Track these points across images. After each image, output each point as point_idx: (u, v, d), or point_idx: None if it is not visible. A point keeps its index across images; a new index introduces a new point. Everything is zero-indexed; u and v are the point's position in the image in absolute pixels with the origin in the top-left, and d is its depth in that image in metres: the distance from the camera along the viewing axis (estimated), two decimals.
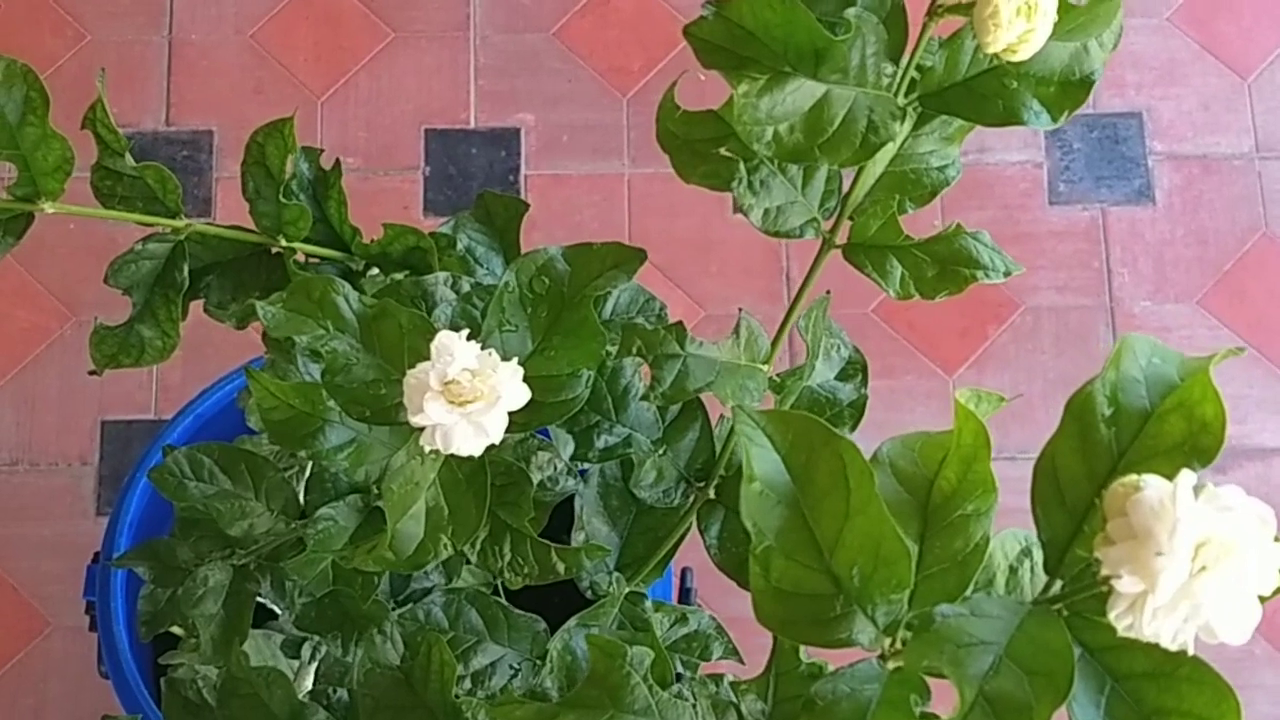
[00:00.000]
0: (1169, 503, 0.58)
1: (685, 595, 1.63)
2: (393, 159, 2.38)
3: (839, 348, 1.00)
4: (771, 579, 0.69)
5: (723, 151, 0.81)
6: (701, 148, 0.81)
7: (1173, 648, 0.59)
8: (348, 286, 0.91)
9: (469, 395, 0.85)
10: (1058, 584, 0.66)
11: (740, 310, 0.93)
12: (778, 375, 0.97)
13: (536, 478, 1.06)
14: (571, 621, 0.95)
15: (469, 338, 0.86)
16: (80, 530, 2.05)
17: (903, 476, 0.73)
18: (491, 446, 0.90)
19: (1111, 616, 0.59)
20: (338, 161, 1.30)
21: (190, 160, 2.38)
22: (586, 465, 1.03)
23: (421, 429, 0.86)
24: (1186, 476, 0.58)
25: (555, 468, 1.07)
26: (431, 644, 0.90)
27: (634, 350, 0.86)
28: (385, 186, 2.36)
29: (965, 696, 0.61)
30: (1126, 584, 0.58)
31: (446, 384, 0.85)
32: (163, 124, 2.40)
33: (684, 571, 1.65)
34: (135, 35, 2.47)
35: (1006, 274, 0.84)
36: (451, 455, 0.91)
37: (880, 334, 2.15)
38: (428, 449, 0.86)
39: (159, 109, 2.41)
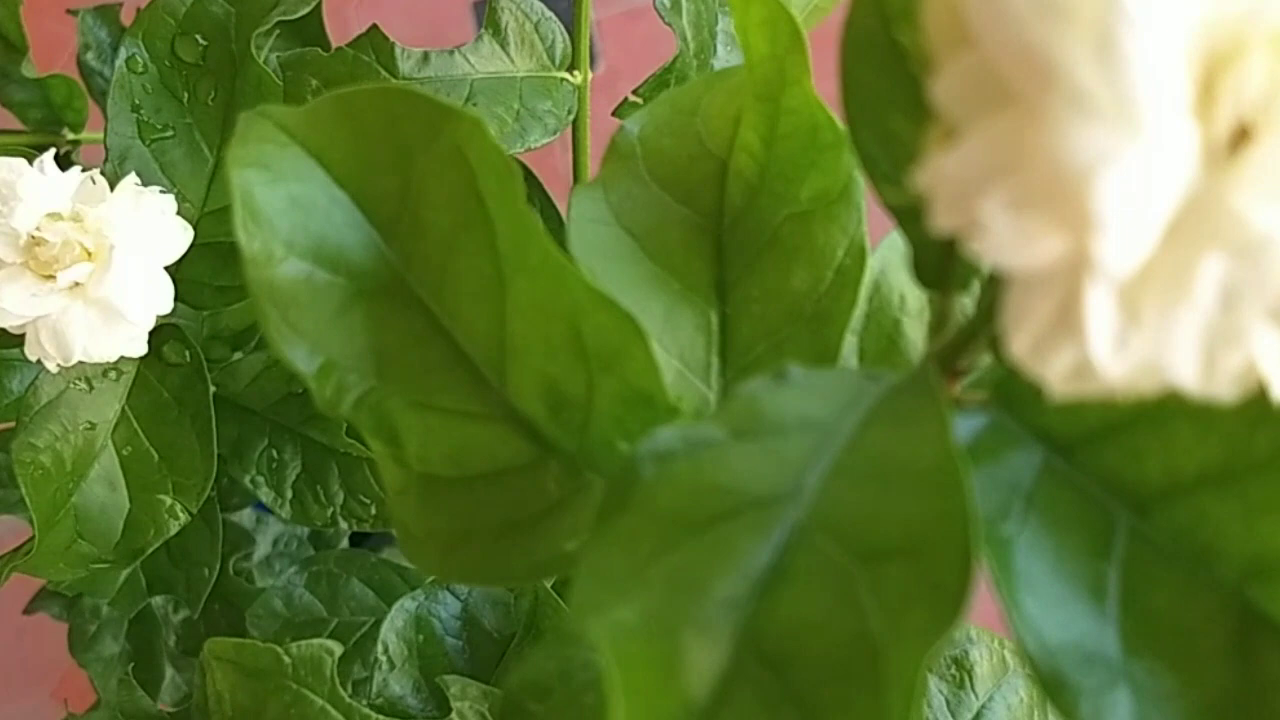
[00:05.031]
0: None
1: None
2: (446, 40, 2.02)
3: None
4: (410, 458, 0.31)
5: None
6: None
7: (1208, 389, 0.19)
8: None
9: (68, 256, 0.49)
10: (963, 305, 0.26)
11: None
12: (636, 93, 0.57)
13: None
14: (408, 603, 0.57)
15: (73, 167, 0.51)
16: None
17: (670, 173, 0.34)
18: (170, 332, 0.54)
19: (1015, 351, 0.20)
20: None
21: None
22: None
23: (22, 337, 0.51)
24: None
25: None
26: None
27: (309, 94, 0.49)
28: None
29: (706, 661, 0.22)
30: (1002, 232, 0.18)
31: (28, 247, 0.50)
32: None
33: None
34: None
35: None
36: (146, 363, 0.56)
37: None
38: (51, 367, 0.51)
39: None
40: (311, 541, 0.87)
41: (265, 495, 0.62)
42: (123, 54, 0.54)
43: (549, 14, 0.53)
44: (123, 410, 0.55)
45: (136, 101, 0.54)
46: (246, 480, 0.62)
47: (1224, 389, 0.20)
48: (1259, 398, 0.23)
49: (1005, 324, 0.20)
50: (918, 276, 0.26)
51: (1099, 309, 0.19)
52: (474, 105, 0.50)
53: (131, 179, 0.50)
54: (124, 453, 0.55)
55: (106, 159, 0.54)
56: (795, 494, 0.23)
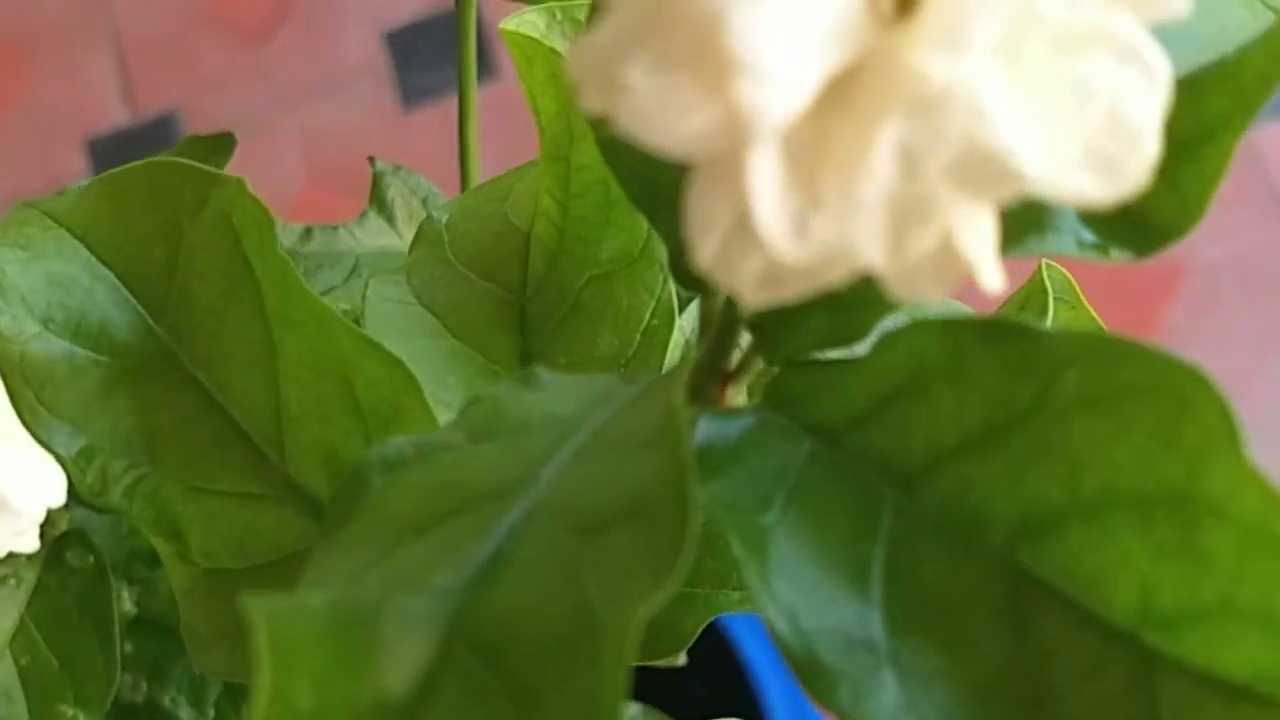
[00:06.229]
0: None
1: None
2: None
3: None
4: (195, 553, 0.29)
5: None
6: None
7: (905, 275, 0.17)
8: None
9: None
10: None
11: (372, 160, 0.52)
12: None
13: None
14: None
15: None
16: None
17: (476, 252, 0.33)
18: (73, 537, 0.52)
19: (703, 263, 0.18)
20: None
21: None
22: None
23: None
24: None
25: None
26: None
27: None
28: None
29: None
30: (648, 98, 0.17)
31: None
32: None
33: None
34: None
35: None
36: (47, 569, 0.54)
37: None
38: None
39: None
40: None
41: (186, 714, 0.59)
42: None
43: (435, 190, 0.53)
44: (22, 619, 0.53)
45: None
46: (166, 700, 0.59)
47: (927, 277, 0.18)
48: (1019, 344, 0.21)
49: (691, 238, 0.18)
50: (676, 277, 0.24)
51: (766, 181, 0.17)
52: (359, 277, 0.49)
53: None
54: (22, 663, 0.52)
55: None
56: (530, 485, 0.21)
